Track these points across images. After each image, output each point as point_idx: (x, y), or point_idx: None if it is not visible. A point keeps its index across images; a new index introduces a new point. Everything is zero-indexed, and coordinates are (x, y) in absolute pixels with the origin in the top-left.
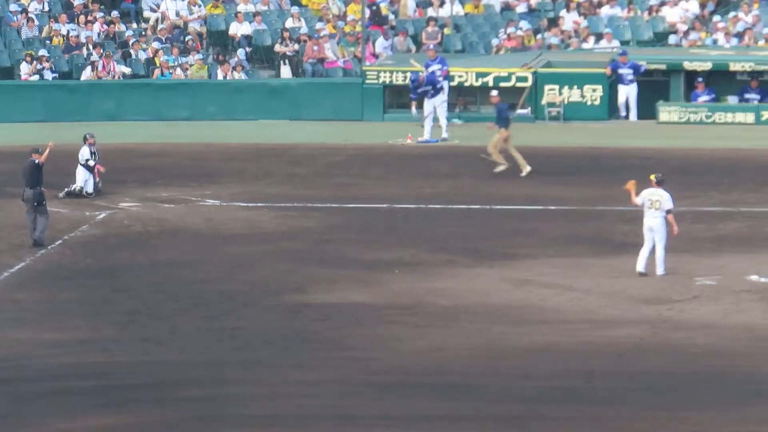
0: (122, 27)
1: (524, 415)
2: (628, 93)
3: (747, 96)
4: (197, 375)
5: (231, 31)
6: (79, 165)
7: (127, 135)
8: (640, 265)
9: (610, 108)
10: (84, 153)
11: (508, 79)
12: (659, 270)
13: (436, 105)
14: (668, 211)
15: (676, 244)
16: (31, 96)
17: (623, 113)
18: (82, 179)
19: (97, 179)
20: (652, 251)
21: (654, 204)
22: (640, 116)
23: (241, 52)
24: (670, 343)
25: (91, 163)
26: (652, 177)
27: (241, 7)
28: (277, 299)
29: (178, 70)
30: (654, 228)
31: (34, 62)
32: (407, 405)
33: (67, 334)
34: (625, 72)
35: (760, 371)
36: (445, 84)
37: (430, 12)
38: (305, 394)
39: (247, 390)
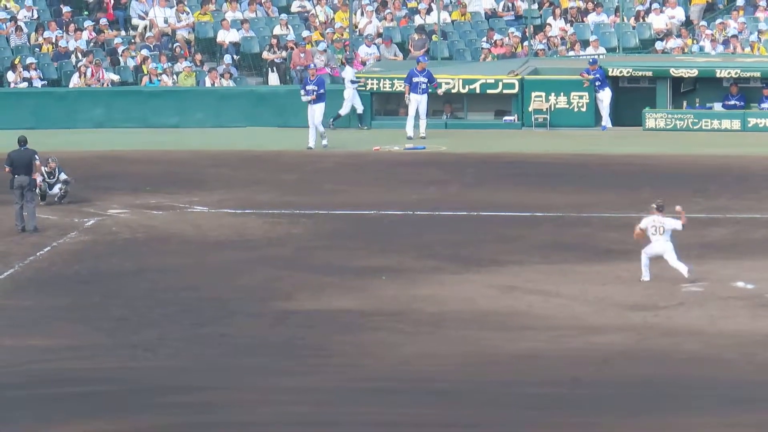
0: (111, 33)
1: (510, 421)
2: (602, 99)
3: (728, 102)
4: (185, 381)
5: (219, 39)
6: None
7: (116, 142)
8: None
9: (596, 115)
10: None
11: (495, 86)
12: (685, 272)
13: (420, 102)
14: (675, 229)
15: None
16: (20, 103)
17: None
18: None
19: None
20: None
21: (659, 230)
22: (627, 123)
23: (227, 58)
24: (656, 349)
25: (40, 183)
26: (653, 205)
27: (229, 15)
28: (264, 306)
29: (165, 77)
30: (662, 251)
31: (20, 70)
32: (393, 412)
33: (55, 340)
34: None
35: (745, 378)
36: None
37: (417, 20)
38: (292, 400)
39: (235, 396)
